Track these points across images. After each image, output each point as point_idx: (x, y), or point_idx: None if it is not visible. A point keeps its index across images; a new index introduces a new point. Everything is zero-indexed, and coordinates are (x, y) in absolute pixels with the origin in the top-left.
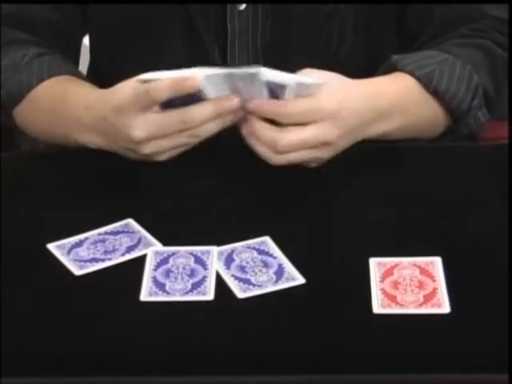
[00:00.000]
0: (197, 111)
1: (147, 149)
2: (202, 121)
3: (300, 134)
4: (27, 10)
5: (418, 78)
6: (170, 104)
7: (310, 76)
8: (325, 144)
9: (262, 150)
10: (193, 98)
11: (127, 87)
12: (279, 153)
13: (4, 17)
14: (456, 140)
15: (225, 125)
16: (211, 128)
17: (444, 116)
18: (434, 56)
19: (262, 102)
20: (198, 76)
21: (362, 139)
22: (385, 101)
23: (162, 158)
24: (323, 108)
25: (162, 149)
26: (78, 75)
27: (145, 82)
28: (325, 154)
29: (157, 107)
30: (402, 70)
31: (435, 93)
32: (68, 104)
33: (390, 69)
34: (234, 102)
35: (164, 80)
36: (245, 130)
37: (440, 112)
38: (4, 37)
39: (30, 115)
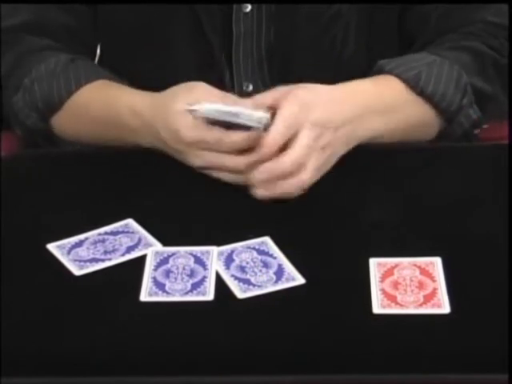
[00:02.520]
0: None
1: (200, 171)
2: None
3: (299, 142)
4: (45, 18)
5: (405, 81)
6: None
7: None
8: (325, 147)
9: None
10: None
11: (190, 124)
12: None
13: (23, 24)
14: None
15: None
16: None
17: (435, 117)
18: (422, 58)
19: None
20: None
21: (356, 142)
22: (366, 97)
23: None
24: (305, 116)
25: (216, 177)
26: (114, 78)
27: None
28: (329, 156)
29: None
30: (389, 73)
31: (422, 94)
32: (112, 107)
33: (378, 73)
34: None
35: (236, 135)
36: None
37: (431, 113)
38: (29, 45)
39: (71, 121)
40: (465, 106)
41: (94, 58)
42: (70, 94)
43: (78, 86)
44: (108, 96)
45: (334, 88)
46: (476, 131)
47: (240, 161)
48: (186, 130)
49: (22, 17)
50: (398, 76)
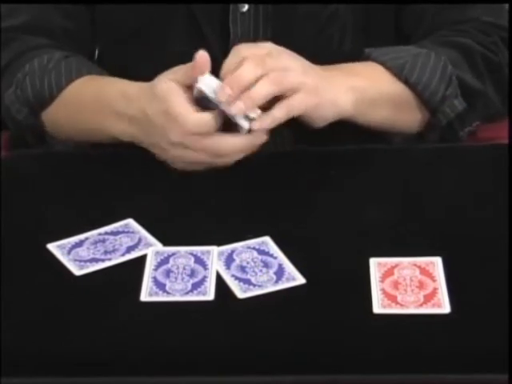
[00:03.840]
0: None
1: (176, 152)
2: (232, 152)
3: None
4: (44, 19)
5: (389, 69)
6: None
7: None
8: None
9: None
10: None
11: (176, 93)
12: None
13: (22, 25)
14: (441, 138)
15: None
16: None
17: (418, 106)
18: (408, 50)
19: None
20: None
21: (345, 90)
22: (347, 67)
23: (180, 166)
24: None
25: (187, 158)
26: (106, 74)
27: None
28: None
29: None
30: (374, 60)
31: (406, 83)
32: (103, 94)
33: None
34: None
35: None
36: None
37: (413, 100)
38: (27, 43)
39: (61, 115)
40: (449, 96)
41: (91, 59)
42: (60, 88)
43: (69, 80)
44: (99, 85)
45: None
46: (467, 129)
47: (222, 141)
48: (172, 98)
49: (21, 18)
50: (383, 64)
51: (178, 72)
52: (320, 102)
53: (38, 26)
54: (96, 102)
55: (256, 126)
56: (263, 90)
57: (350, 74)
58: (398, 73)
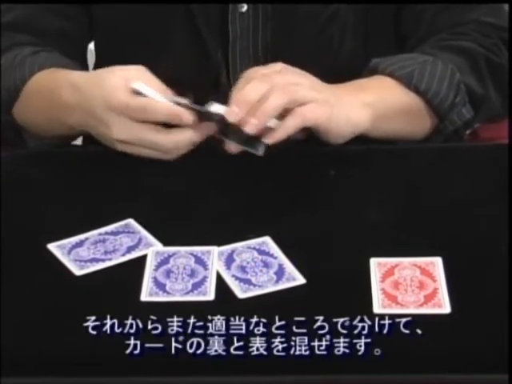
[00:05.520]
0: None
1: (120, 148)
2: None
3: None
4: (32, 18)
5: (399, 79)
6: None
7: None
8: (294, 84)
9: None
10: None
11: (122, 89)
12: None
13: (7, 23)
14: (444, 140)
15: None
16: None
17: (428, 113)
18: (415, 57)
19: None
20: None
21: (359, 106)
22: (356, 83)
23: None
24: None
25: (135, 152)
26: (75, 67)
27: (137, 92)
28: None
29: None
30: (382, 72)
31: (416, 91)
32: (57, 87)
33: (371, 73)
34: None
35: (161, 104)
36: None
37: (422, 107)
38: (7, 41)
39: (26, 109)
40: (458, 104)
41: (85, 59)
42: (24, 81)
43: (31, 73)
44: (54, 77)
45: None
46: (468, 131)
47: (163, 138)
48: (116, 92)
49: (8, 16)
50: (391, 75)
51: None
52: (333, 115)
53: (23, 24)
54: (49, 93)
55: (270, 140)
56: (274, 102)
57: (360, 89)
58: (408, 82)
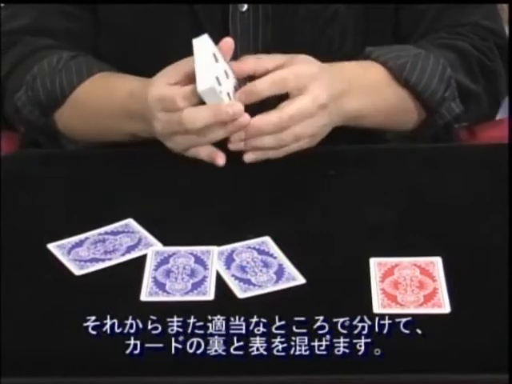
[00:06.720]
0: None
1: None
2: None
3: (296, 103)
4: (46, 21)
5: (390, 69)
6: None
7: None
8: (320, 107)
9: (267, 141)
10: None
11: (166, 81)
12: (284, 128)
13: (24, 27)
14: (434, 132)
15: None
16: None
17: (417, 106)
18: (408, 49)
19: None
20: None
21: (342, 118)
22: (352, 74)
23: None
24: (301, 72)
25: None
26: (115, 71)
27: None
28: (324, 119)
29: None
30: (375, 60)
31: (406, 83)
32: (113, 94)
33: (364, 59)
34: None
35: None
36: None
37: (412, 101)
38: (31, 45)
39: (74, 115)
40: (447, 99)
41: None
42: (72, 88)
43: (80, 79)
44: (109, 85)
45: (330, 67)
46: (455, 126)
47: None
48: (162, 86)
49: (22, 20)
50: (384, 64)
51: (169, 74)
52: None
53: (40, 28)
54: (108, 104)
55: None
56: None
57: (349, 90)
58: (398, 74)
